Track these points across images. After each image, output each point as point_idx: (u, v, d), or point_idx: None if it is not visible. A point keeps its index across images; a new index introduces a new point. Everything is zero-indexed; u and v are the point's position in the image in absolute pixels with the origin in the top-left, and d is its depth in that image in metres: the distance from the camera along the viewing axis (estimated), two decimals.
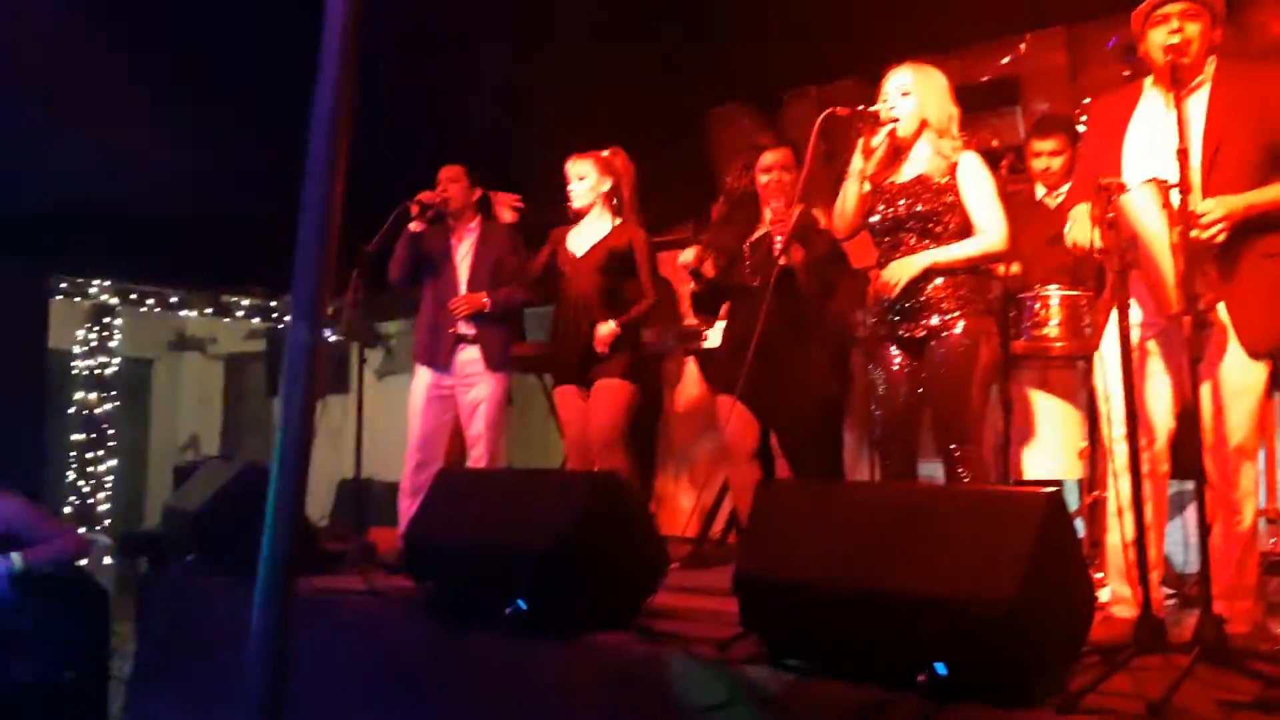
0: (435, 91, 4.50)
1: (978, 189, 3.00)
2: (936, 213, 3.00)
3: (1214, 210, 2.47)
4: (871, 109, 3.07)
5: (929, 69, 3.13)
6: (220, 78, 4.93)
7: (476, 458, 4.29)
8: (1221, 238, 2.49)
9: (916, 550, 2.06)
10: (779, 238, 3.51)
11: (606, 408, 3.82)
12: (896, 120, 3.04)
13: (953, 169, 3.01)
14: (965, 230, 3.01)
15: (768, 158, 3.70)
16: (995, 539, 1.99)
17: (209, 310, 9.07)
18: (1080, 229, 2.64)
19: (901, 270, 2.99)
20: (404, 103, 4.46)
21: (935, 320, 2.99)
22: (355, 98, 1.78)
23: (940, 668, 1.94)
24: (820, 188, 3.39)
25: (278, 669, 1.55)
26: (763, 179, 3.70)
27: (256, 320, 9.36)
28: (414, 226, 4.22)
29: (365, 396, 4.10)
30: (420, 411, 4.30)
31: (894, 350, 3.09)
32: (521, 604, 2.58)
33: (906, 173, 3.09)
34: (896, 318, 3.05)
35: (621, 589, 2.65)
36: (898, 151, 3.11)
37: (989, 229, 2.99)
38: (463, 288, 4.29)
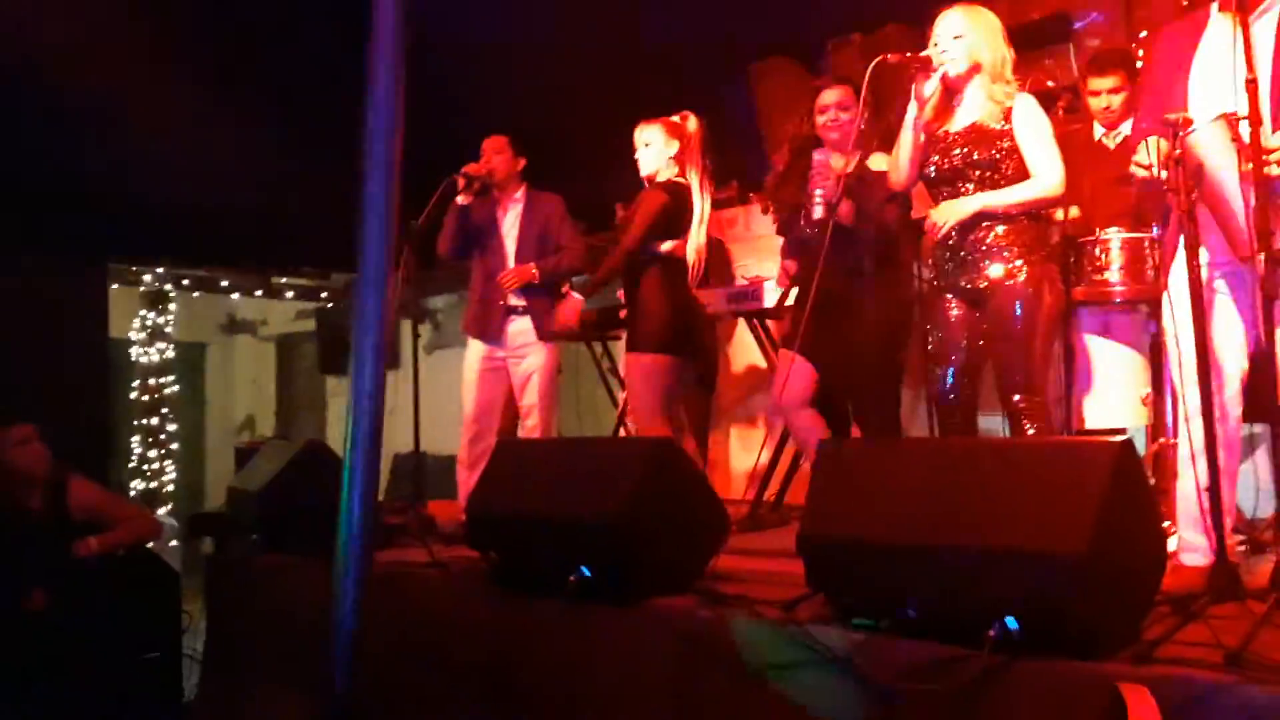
0: (475, 64, 4.48)
1: (1034, 133, 2.91)
2: (994, 160, 2.92)
3: None
4: (923, 54, 2.99)
5: (980, 9, 3.03)
6: (265, 62, 4.97)
7: (530, 428, 4.31)
8: None
9: (984, 505, 2.03)
10: (819, 191, 3.44)
11: (637, 384, 3.78)
12: (949, 64, 2.95)
13: (1008, 114, 2.93)
14: (1023, 176, 2.92)
15: (826, 96, 3.59)
16: (1065, 491, 1.95)
17: (258, 293, 9.22)
18: (1142, 155, 2.56)
19: (951, 211, 2.92)
20: (446, 75, 4.44)
21: (998, 270, 2.91)
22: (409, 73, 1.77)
23: (1011, 622, 1.92)
24: (870, 138, 3.30)
25: (356, 641, 1.58)
26: (820, 119, 3.58)
27: (305, 301, 9.49)
28: (460, 200, 4.23)
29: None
30: (474, 384, 4.33)
31: (953, 302, 3.02)
32: (586, 571, 2.59)
33: (961, 120, 3.00)
34: (956, 268, 2.98)
35: (683, 553, 2.66)
36: (951, 96, 3.02)
37: (1044, 173, 2.90)
38: (510, 259, 4.29)
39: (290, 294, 9.33)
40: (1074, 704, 1.77)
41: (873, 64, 2.93)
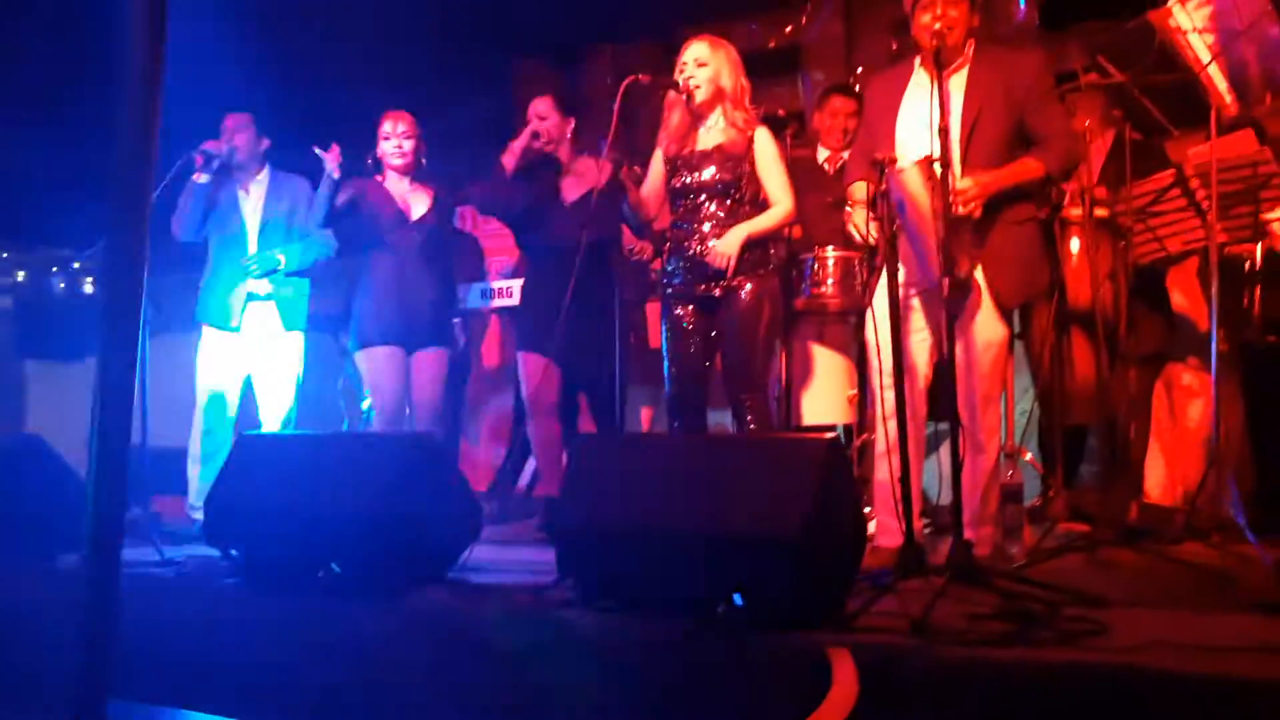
0: (226, 35, 4.24)
1: (772, 164, 3.27)
2: (737, 180, 3.24)
3: (970, 188, 2.78)
4: (670, 79, 3.23)
5: (721, 41, 3.32)
6: None
7: (270, 420, 4.16)
8: (979, 213, 2.81)
9: (716, 494, 2.25)
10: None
11: (433, 378, 3.80)
12: (695, 90, 3.20)
13: (749, 141, 3.22)
14: (757, 197, 3.23)
15: (535, 105, 3.83)
16: (784, 481, 2.21)
17: None
18: (858, 217, 2.92)
19: (729, 247, 3.18)
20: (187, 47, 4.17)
21: (723, 284, 3.20)
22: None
23: (737, 598, 2.15)
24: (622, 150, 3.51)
25: (105, 649, 1.54)
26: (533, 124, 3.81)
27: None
28: (198, 178, 4.01)
29: None
30: (209, 374, 4.11)
31: (688, 308, 3.28)
32: (336, 567, 2.59)
33: (705, 141, 3.27)
34: (692, 279, 3.24)
35: (438, 546, 2.71)
36: (696, 121, 3.27)
37: (783, 200, 3.26)
38: (253, 243, 4.12)
39: None
40: (790, 668, 2.01)
41: (624, 83, 3.12)
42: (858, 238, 3.01)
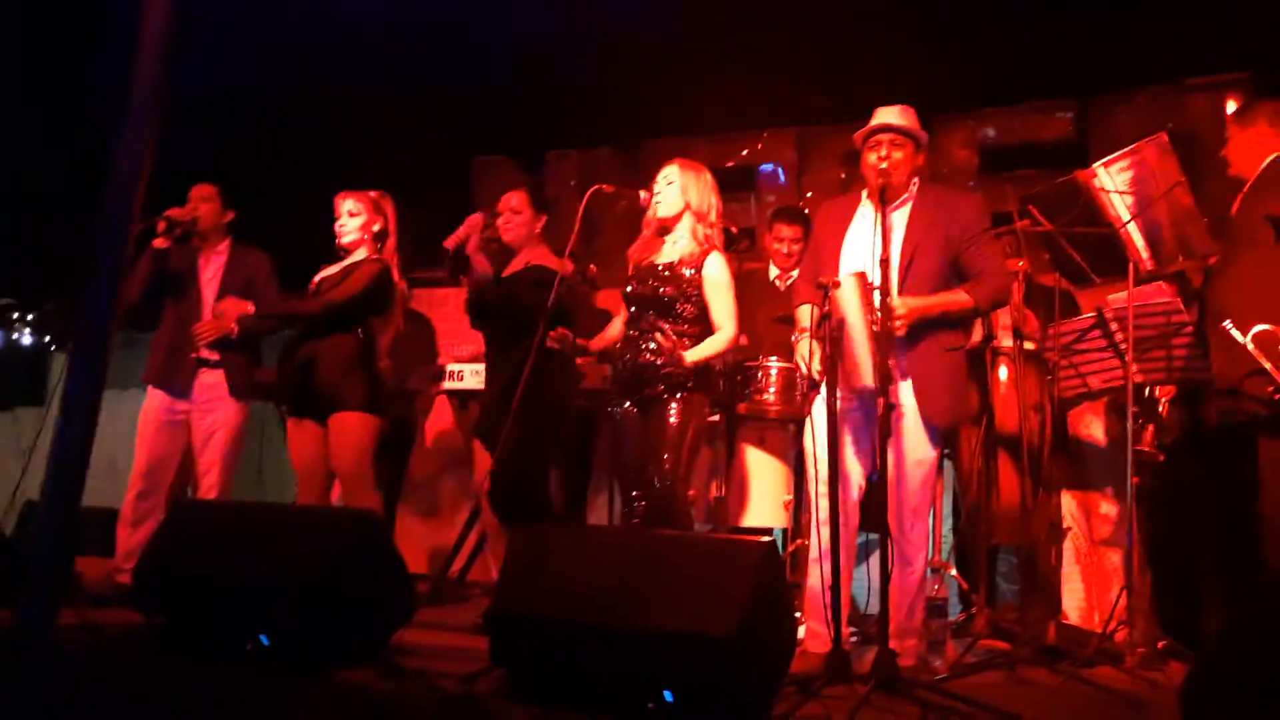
0: (196, 108, 4.34)
1: (719, 290, 3.39)
2: (676, 299, 3.37)
3: (900, 307, 2.96)
4: (633, 189, 3.42)
5: (696, 165, 3.53)
6: None
7: (206, 488, 4.12)
8: (903, 331, 2.98)
9: (653, 590, 2.30)
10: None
11: (346, 442, 3.71)
12: (660, 205, 3.40)
13: (703, 258, 3.37)
14: (701, 315, 3.38)
15: (507, 199, 3.91)
16: (720, 581, 2.27)
17: None
18: (803, 349, 3.08)
19: (676, 361, 3.31)
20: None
21: (657, 391, 3.34)
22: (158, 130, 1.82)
23: (668, 695, 2.19)
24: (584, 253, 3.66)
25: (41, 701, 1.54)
26: (500, 219, 3.90)
27: None
28: (158, 243, 4.05)
29: None
30: (150, 437, 4.08)
31: (627, 406, 3.41)
32: (264, 639, 2.57)
33: (666, 255, 3.44)
34: (630, 383, 3.38)
35: (370, 625, 2.70)
36: (663, 232, 3.44)
37: (726, 326, 3.39)
38: (208, 311, 4.14)
39: None
40: None
41: (589, 191, 3.28)
42: (803, 369, 3.13)
